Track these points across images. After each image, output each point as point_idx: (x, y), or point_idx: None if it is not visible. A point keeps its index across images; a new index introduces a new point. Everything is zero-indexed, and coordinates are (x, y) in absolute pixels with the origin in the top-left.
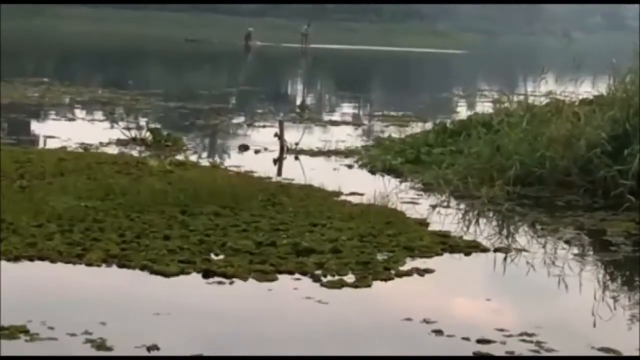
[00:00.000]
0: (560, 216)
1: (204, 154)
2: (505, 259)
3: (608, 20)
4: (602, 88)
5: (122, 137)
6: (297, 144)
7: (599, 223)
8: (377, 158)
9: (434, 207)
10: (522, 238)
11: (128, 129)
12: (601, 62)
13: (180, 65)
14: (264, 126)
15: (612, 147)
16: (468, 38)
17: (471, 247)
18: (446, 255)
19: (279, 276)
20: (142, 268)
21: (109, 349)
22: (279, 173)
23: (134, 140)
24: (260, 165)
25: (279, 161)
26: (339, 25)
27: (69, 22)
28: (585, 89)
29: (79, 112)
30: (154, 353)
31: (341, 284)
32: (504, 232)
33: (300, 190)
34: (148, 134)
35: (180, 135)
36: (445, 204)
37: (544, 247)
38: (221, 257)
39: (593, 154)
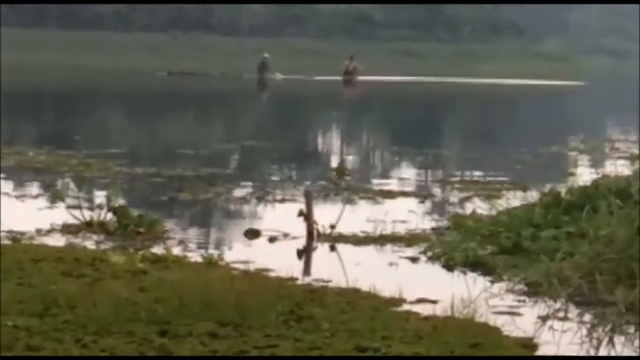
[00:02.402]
0: None
1: (194, 245)
2: None
3: None
4: None
5: (71, 220)
6: (333, 227)
7: None
8: (456, 247)
9: (544, 319)
10: None
11: (78, 208)
12: None
13: (155, 112)
14: (282, 201)
15: None
16: (591, 62)
17: None
18: None
19: None
20: None
21: None
22: (307, 272)
23: (88, 225)
24: (279, 260)
25: (306, 254)
26: (395, 47)
27: None
28: None
29: (2, 185)
30: None
31: None
32: None
33: (340, 297)
34: (110, 215)
35: (157, 216)
36: (561, 314)
37: None
38: None
39: None
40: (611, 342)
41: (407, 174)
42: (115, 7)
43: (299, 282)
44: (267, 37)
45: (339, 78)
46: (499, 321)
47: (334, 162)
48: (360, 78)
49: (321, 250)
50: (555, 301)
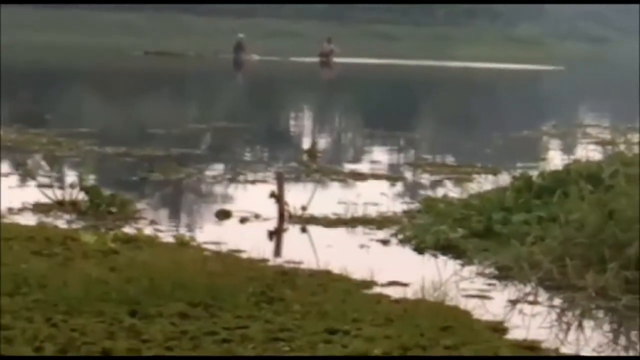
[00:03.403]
0: None
1: (165, 225)
2: None
3: None
4: None
5: (42, 199)
6: (304, 208)
7: None
8: (427, 229)
9: (514, 303)
10: None
11: (50, 187)
12: None
13: (128, 91)
14: (253, 182)
15: None
16: (566, 48)
17: None
18: None
19: None
20: None
21: None
22: (278, 253)
23: (59, 204)
24: (250, 241)
25: (277, 235)
26: (372, 30)
27: None
28: None
29: None
30: None
31: None
32: (622, 341)
33: (311, 279)
34: (82, 194)
35: (128, 196)
36: (531, 298)
37: None
38: None
39: None
40: (581, 326)
41: (379, 157)
42: None
43: (270, 263)
44: (241, 18)
45: (316, 60)
46: (469, 304)
47: (307, 144)
48: (337, 60)
49: (292, 232)
50: (525, 285)
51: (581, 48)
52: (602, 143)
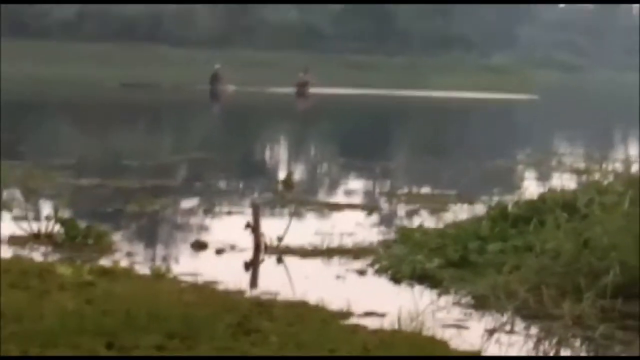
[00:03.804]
0: None
1: (141, 257)
2: None
3: None
4: None
5: (18, 232)
6: (280, 239)
7: None
8: (403, 259)
9: (490, 332)
10: None
11: (25, 219)
12: None
13: (104, 123)
14: (229, 213)
15: None
16: (540, 76)
17: None
18: None
19: None
20: None
21: None
22: (255, 284)
23: (35, 237)
24: (226, 272)
25: (253, 266)
26: (347, 60)
27: None
28: None
29: None
30: None
31: None
32: None
33: (288, 310)
34: (57, 226)
35: (104, 228)
36: (508, 327)
37: None
38: None
39: None
40: (558, 354)
41: (355, 187)
42: (64, 18)
43: (247, 294)
44: (216, 48)
45: (292, 90)
46: (446, 334)
47: (282, 175)
48: (313, 90)
49: (268, 263)
50: (502, 314)
51: (555, 76)
52: (577, 172)
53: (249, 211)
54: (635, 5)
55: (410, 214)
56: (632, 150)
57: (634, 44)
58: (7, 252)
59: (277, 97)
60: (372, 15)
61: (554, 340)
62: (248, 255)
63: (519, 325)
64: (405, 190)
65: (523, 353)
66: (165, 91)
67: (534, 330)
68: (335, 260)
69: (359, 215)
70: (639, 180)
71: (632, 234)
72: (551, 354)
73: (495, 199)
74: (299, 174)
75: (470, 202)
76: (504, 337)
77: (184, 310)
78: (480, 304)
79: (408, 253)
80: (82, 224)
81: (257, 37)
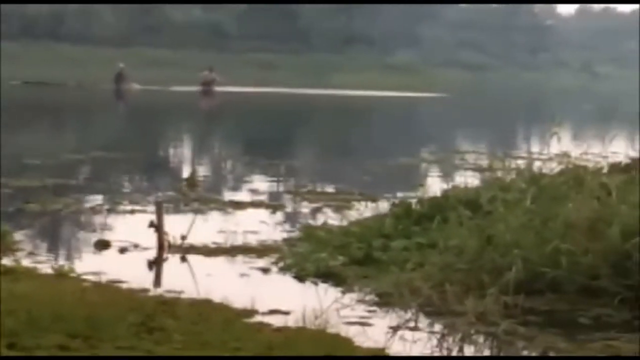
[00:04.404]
0: (585, 340)
1: (44, 256)
2: None
3: None
4: None
5: None
6: (184, 237)
7: None
8: (307, 257)
9: (395, 329)
10: None
11: None
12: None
13: (4, 122)
14: (132, 212)
15: None
16: (445, 75)
17: None
18: None
19: None
20: None
21: None
22: (158, 283)
23: None
24: (130, 271)
25: (157, 264)
26: (249, 58)
27: None
28: (617, 150)
29: None
30: None
31: None
32: None
33: (192, 308)
34: None
35: (5, 228)
36: (411, 324)
37: None
38: None
39: (631, 246)
40: (461, 351)
41: (260, 185)
42: None
43: (151, 293)
44: (119, 47)
45: (197, 89)
46: (350, 332)
47: (186, 173)
48: (218, 89)
49: (172, 261)
50: (405, 311)
51: (460, 75)
52: (480, 169)
53: (152, 209)
54: (537, 5)
55: (314, 212)
56: (534, 148)
57: (536, 42)
58: None
59: (182, 95)
60: (276, 14)
61: (458, 337)
62: (152, 254)
63: (423, 321)
64: (310, 188)
65: (427, 349)
66: (69, 90)
67: (437, 326)
68: (239, 258)
69: (263, 214)
70: (540, 177)
71: (534, 231)
72: (455, 351)
73: (399, 196)
74: (203, 172)
75: (374, 200)
76: (408, 334)
77: (87, 310)
78: (384, 301)
79: (312, 251)
80: None
81: (161, 36)
